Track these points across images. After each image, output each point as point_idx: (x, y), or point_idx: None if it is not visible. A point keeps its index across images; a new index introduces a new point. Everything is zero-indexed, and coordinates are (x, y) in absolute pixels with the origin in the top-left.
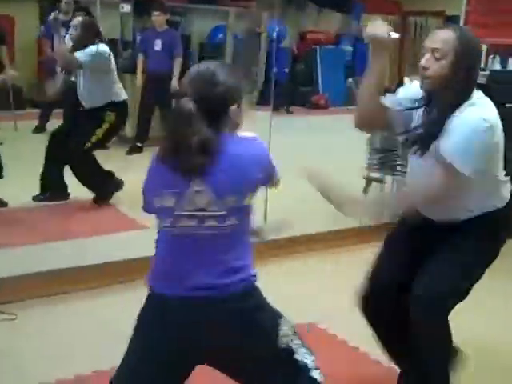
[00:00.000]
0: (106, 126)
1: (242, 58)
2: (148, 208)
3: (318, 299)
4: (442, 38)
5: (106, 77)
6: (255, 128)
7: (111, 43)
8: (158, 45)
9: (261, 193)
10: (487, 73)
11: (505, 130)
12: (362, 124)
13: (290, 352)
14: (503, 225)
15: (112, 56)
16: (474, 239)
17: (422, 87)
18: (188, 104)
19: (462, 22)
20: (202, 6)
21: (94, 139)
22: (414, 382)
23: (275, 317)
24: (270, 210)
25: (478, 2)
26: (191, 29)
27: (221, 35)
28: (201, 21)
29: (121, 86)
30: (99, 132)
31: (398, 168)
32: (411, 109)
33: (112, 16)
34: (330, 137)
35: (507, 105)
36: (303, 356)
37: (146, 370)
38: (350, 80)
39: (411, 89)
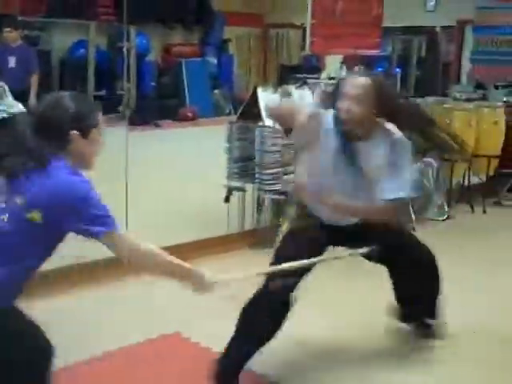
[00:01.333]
0: None
1: (105, 72)
2: None
3: (182, 309)
4: (359, 84)
5: None
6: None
7: None
8: (11, 61)
9: (120, 203)
10: (335, 81)
11: None
12: None
13: None
14: None
15: None
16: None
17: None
18: (24, 120)
19: (308, 34)
20: (62, 21)
21: None
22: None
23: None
24: (131, 221)
25: (323, 15)
26: (51, 44)
27: (82, 50)
28: (61, 35)
29: None
30: None
31: (257, 176)
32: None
33: None
34: (196, 148)
35: None
36: None
37: None
38: (216, 91)
39: None
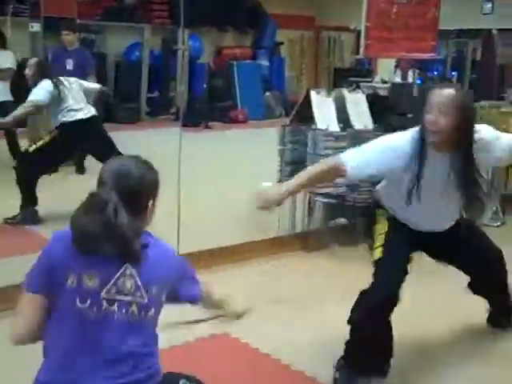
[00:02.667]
0: (53, 134)
1: (159, 74)
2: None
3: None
4: (446, 95)
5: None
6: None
7: (22, 62)
8: (69, 64)
9: (173, 203)
10: (389, 85)
11: None
12: None
13: None
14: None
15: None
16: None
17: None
18: (112, 194)
19: (363, 37)
20: (117, 23)
21: (39, 143)
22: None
23: None
24: (184, 218)
25: (378, 18)
26: (106, 46)
27: (137, 52)
28: (116, 38)
29: (77, 106)
30: (46, 138)
31: None
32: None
33: (21, 35)
34: (248, 150)
35: (408, 115)
36: None
37: None
38: (268, 94)
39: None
